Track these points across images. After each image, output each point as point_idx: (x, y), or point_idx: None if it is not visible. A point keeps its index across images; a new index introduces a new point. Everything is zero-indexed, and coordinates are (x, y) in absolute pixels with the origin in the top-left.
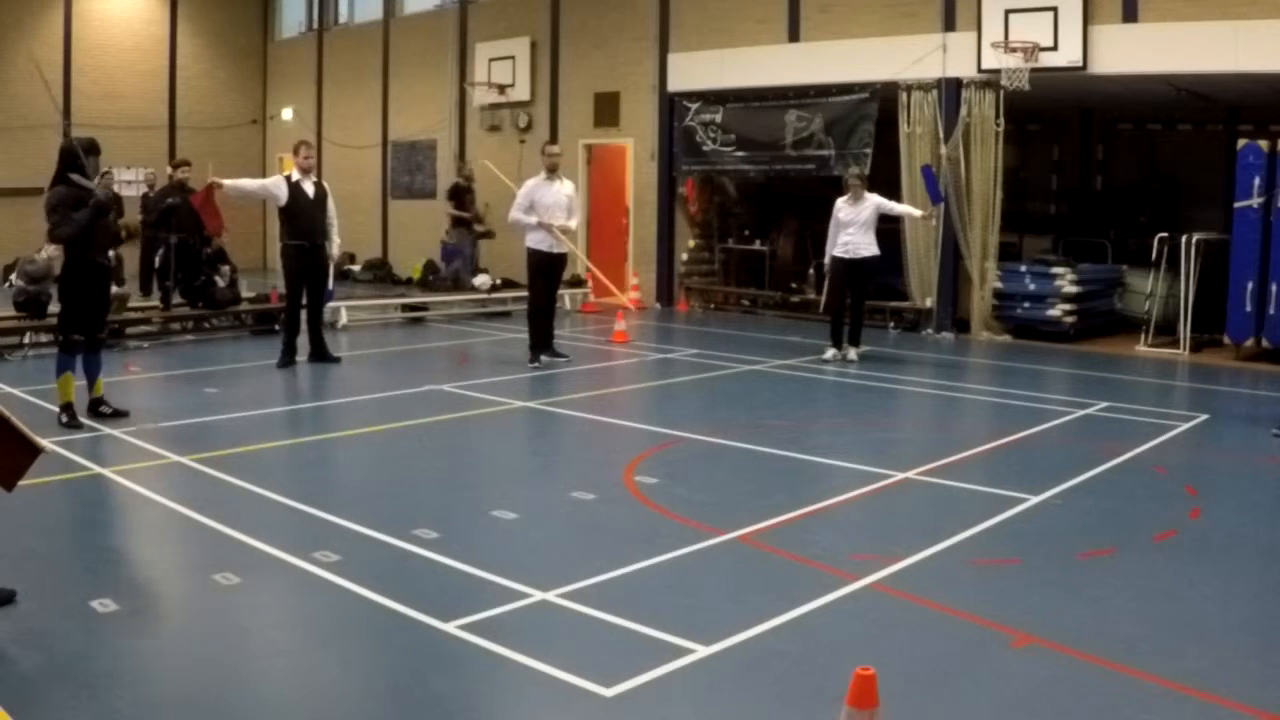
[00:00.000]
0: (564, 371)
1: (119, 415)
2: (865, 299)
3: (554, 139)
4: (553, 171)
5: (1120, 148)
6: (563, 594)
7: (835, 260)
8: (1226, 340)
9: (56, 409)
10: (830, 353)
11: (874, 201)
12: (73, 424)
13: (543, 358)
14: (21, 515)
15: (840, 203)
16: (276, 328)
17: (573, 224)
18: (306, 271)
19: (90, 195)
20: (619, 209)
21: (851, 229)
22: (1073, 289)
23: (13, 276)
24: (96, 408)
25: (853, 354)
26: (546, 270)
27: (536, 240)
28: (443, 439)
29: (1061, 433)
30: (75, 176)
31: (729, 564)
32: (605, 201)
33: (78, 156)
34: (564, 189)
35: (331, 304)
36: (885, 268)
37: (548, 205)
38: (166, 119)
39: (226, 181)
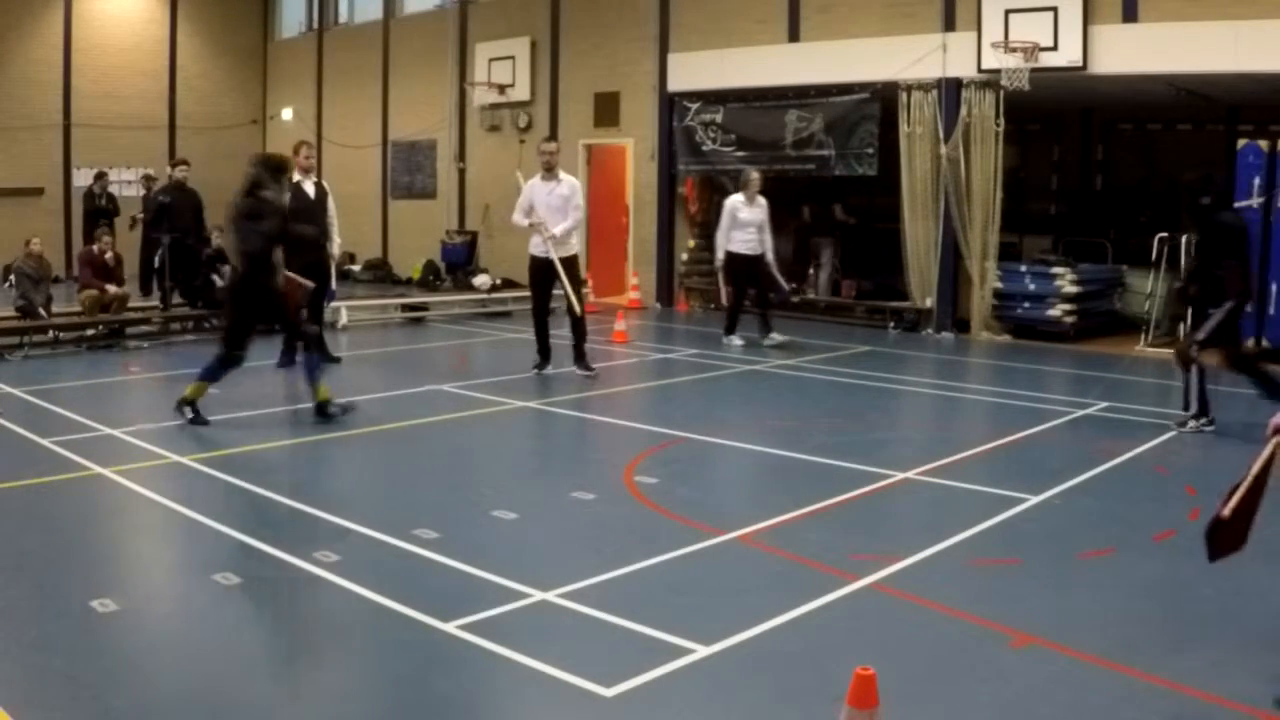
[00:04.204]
0: (564, 372)
1: (348, 409)
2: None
3: (553, 138)
4: (549, 170)
5: (1120, 148)
6: (563, 594)
7: (736, 256)
8: None
9: (180, 400)
10: (737, 340)
11: (766, 207)
12: (198, 420)
13: (547, 368)
14: (21, 515)
15: (739, 201)
16: (276, 328)
17: (557, 232)
18: (307, 272)
19: (269, 206)
20: (619, 209)
21: (752, 228)
22: (1073, 289)
23: (12, 277)
24: (324, 409)
25: (778, 338)
26: (542, 277)
27: (533, 245)
28: (443, 439)
29: (1061, 433)
30: (263, 192)
31: (729, 564)
32: (605, 201)
33: (265, 175)
34: (559, 189)
35: (332, 304)
36: (885, 268)
37: (541, 207)
38: (166, 119)
39: None
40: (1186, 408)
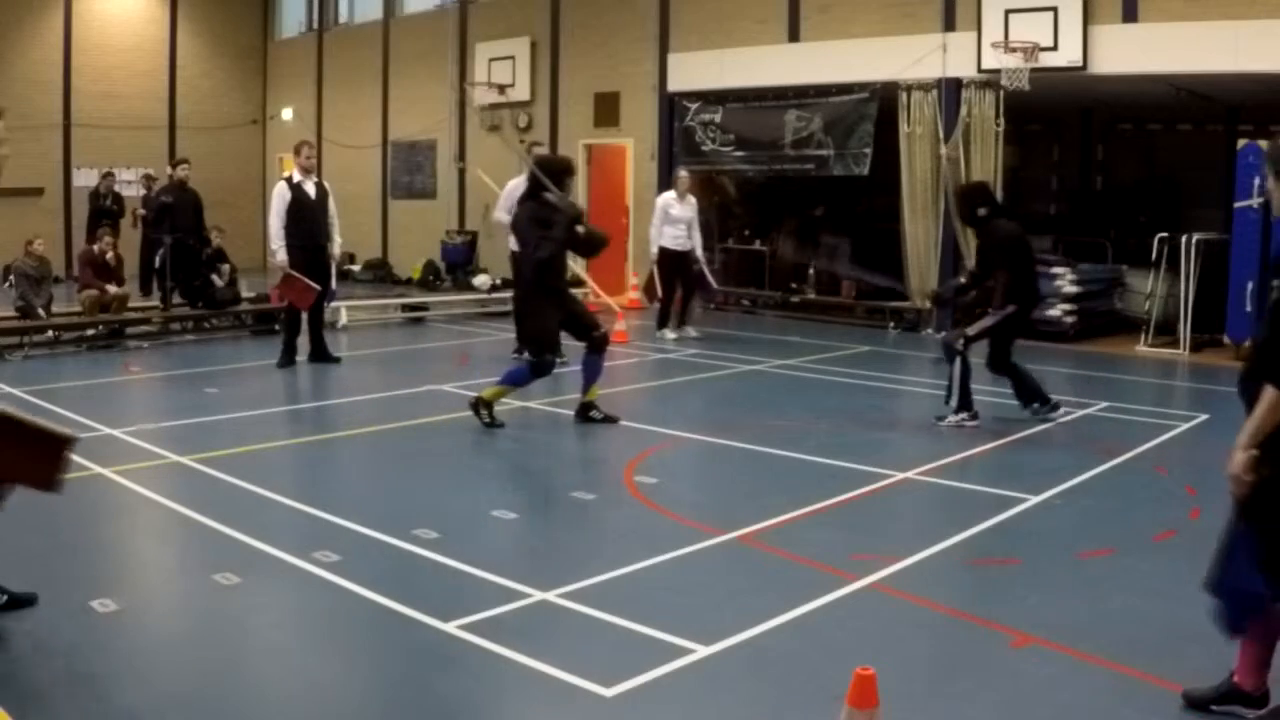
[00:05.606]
0: (563, 371)
1: (609, 420)
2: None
3: (554, 139)
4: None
5: (1120, 148)
6: (563, 594)
7: (667, 251)
8: (1226, 340)
9: (476, 400)
10: (669, 333)
11: (695, 205)
12: (494, 425)
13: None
14: (21, 515)
15: (670, 199)
16: (276, 328)
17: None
18: (308, 272)
19: (557, 212)
20: (619, 209)
21: (682, 224)
22: (1073, 289)
23: (12, 277)
24: (587, 412)
25: (693, 332)
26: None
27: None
28: (443, 439)
29: (1061, 433)
30: (547, 195)
31: (729, 564)
32: (605, 202)
33: (547, 178)
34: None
35: (332, 304)
36: (885, 268)
37: None
38: (166, 119)
39: (278, 253)
40: (947, 401)
